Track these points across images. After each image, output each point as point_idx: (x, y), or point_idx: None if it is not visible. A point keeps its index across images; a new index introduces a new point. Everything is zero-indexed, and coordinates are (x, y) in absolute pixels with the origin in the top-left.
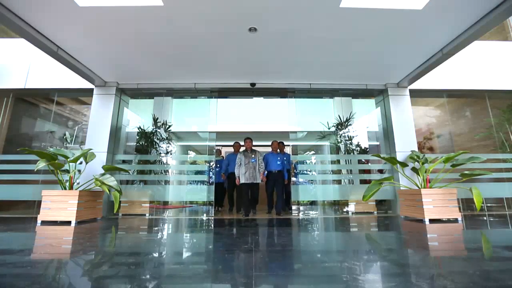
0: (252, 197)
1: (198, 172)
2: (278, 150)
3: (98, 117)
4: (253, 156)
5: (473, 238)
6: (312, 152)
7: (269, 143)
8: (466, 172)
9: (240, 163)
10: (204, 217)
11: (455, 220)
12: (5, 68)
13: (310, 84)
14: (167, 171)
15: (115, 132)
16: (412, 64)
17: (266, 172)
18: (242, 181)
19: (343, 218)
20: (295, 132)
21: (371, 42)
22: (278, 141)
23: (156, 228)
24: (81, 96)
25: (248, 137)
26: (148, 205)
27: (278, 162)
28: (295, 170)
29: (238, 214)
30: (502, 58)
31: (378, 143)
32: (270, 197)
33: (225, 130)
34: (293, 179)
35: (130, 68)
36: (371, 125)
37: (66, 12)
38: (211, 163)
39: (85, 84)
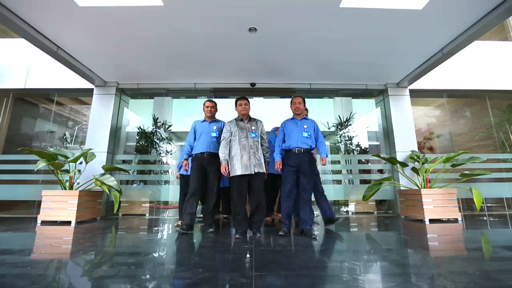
0: (254, 206)
1: None
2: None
3: (98, 117)
4: (253, 128)
5: (473, 238)
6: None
7: None
8: (466, 172)
9: (230, 139)
10: None
11: (455, 220)
12: (5, 68)
13: (310, 84)
14: (167, 171)
15: (115, 132)
16: (412, 64)
17: (281, 154)
18: (238, 172)
19: (343, 218)
20: None
21: (371, 42)
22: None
23: (156, 228)
24: (81, 96)
25: (243, 96)
26: (148, 205)
27: (306, 134)
28: None
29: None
30: (502, 58)
31: (378, 143)
32: (292, 200)
33: None
34: None
35: (130, 68)
36: (371, 125)
37: (66, 12)
38: None
39: (85, 84)
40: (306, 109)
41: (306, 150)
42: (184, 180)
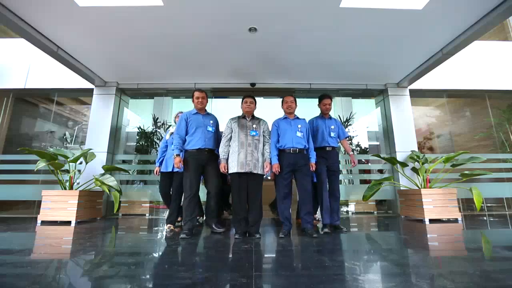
0: (251, 205)
1: None
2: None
3: (98, 117)
4: (254, 126)
5: (473, 238)
6: None
7: None
8: (466, 172)
9: (230, 137)
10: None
11: (455, 220)
12: (5, 68)
13: (310, 84)
14: None
15: (115, 132)
16: (412, 64)
17: (277, 155)
18: (234, 169)
19: (343, 218)
20: None
21: (371, 42)
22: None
23: (156, 228)
24: (81, 96)
25: (250, 94)
26: (148, 205)
27: (300, 134)
28: None
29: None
30: (502, 58)
31: (378, 143)
32: (289, 203)
33: None
34: None
35: (130, 68)
36: (371, 125)
37: (66, 12)
38: None
39: (85, 84)
40: (329, 101)
41: (300, 150)
42: (163, 177)
